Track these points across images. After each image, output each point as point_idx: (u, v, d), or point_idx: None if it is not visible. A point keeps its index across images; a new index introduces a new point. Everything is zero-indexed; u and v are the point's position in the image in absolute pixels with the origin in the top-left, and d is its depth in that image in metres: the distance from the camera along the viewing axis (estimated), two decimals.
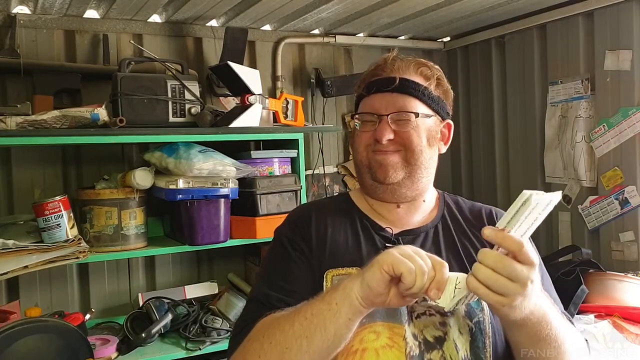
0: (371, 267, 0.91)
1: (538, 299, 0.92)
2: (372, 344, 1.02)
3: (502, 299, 0.86)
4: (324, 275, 1.11)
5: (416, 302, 1.03)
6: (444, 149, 1.24)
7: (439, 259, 0.91)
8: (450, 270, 0.91)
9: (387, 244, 1.14)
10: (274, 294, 1.10)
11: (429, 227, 1.19)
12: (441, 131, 1.21)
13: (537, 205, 0.85)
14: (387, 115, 1.14)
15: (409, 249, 0.91)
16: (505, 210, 0.89)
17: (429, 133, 1.17)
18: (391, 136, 1.14)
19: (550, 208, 0.88)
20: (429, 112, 1.17)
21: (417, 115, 1.14)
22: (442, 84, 1.21)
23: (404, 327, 1.03)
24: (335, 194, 1.37)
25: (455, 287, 0.89)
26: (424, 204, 1.22)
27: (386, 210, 1.20)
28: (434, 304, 0.94)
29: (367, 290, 0.90)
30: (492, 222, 1.20)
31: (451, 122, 1.24)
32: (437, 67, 1.22)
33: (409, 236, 1.17)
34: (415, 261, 0.88)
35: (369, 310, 0.94)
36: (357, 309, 0.92)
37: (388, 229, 1.17)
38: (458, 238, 1.18)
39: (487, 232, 0.87)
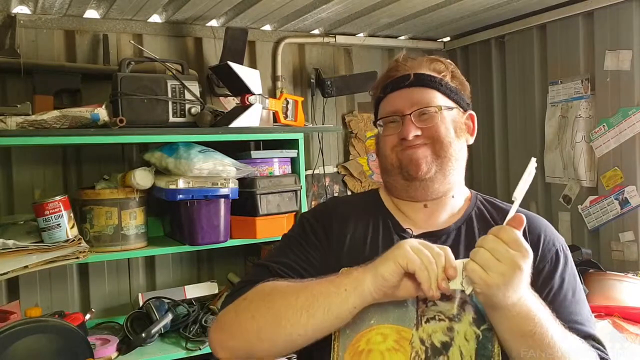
0: (385, 260, 0.94)
1: (525, 295, 0.94)
2: (378, 346, 1.02)
3: (486, 277, 0.89)
4: (340, 273, 1.09)
5: (426, 305, 1.04)
6: (471, 140, 1.22)
7: (443, 246, 0.95)
8: None
9: None
10: (282, 267, 1.13)
11: (451, 229, 1.16)
12: (465, 123, 1.20)
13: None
14: (410, 114, 1.13)
15: (416, 242, 0.95)
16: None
17: (455, 124, 1.16)
18: (418, 132, 1.12)
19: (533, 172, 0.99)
20: (450, 103, 1.17)
21: (440, 108, 1.14)
22: (456, 76, 1.20)
23: (411, 331, 1.03)
24: (368, 190, 1.30)
25: (463, 270, 0.93)
26: (453, 200, 1.19)
27: (412, 210, 1.18)
28: (444, 307, 0.98)
29: (381, 281, 0.94)
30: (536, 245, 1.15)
31: (473, 113, 1.23)
32: (449, 60, 1.22)
33: (429, 238, 1.12)
34: (423, 254, 0.92)
35: (376, 301, 0.97)
36: (366, 299, 0.96)
37: (408, 230, 1.15)
38: None
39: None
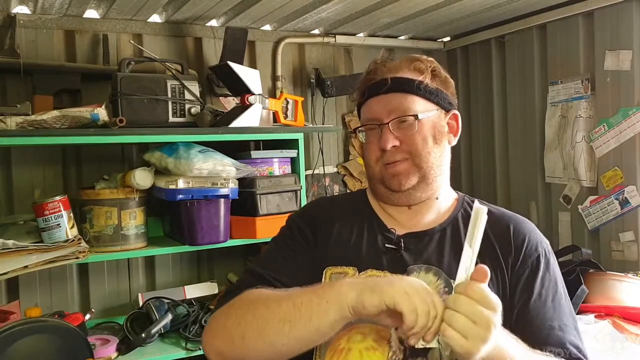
0: (372, 292, 0.90)
1: (497, 342, 0.89)
2: (357, 345, 1.02)
3: (467, 345, 0.85)
4: (324, 272, 1.12)
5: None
6: (454, 141, 1.22)
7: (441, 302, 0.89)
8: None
9: (387, 244, 1.14)
10: (270, 273, 1.14)
11: (436, 230, 1.16)
12: (448, 123, 1.20)
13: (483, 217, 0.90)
14: (388, 124, 1.13)
15: (418, 284, 0.90)
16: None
17: (434, 130, 1.16)
18: (396, 143, 1.13)
19: (485, 218, 0.90)
20: (429, 106, 1.16)
21: (416, 117, 1.13)
22: (438, 74, 1.19)
23: (390, 330, 1.02)
24: (356, 190, 1.31)
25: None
26: (437, 202, 1.19)
27: (397, 211, 1.19)
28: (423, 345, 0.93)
29: (360, 307, 0.91)
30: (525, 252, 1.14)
31: (457, 112, 1.22)
32: (430, 59, 1.20)
33: (413, 238, 1.15)
34: (423, 301, 0.87)
35: (352, 319, 0.94)
36: (345, 316, 0.93)
37: (392, 230, 1.16)
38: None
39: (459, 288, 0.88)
